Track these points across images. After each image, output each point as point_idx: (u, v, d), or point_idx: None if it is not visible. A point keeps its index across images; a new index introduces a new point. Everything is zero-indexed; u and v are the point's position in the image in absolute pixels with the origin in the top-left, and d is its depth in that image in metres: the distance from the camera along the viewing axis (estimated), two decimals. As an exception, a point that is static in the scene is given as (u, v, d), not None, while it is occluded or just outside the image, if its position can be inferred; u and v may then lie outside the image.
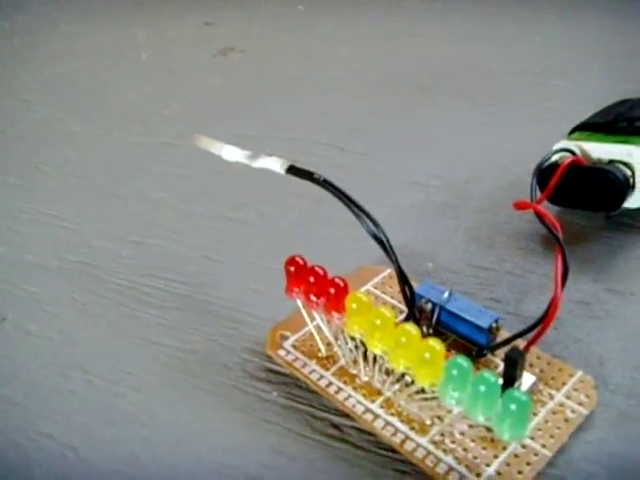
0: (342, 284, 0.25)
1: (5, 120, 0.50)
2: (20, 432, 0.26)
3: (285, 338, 0.28)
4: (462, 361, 0.21)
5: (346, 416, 0.25)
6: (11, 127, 0.49)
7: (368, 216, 0.25)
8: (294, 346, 0.27)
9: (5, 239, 0.37)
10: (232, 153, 0.29)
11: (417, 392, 0.24)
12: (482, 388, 0.21)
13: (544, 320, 0.24)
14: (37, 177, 0.42)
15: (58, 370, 0.28)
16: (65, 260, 0.35)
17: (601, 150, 0.31)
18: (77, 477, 0.24)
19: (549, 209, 0.27)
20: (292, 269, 0.26)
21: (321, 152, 0.42)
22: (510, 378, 0.24)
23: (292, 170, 0.27)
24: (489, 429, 0.22)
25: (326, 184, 0.26)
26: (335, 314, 0.25)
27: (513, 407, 0.20)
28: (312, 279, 0.25)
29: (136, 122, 0.48)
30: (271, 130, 0.45)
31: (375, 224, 0.25)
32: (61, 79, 0.56)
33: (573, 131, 0.34)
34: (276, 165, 0.27)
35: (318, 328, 0.27)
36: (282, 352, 0.27)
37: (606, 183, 0.30)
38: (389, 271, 0.30)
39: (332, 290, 0.24)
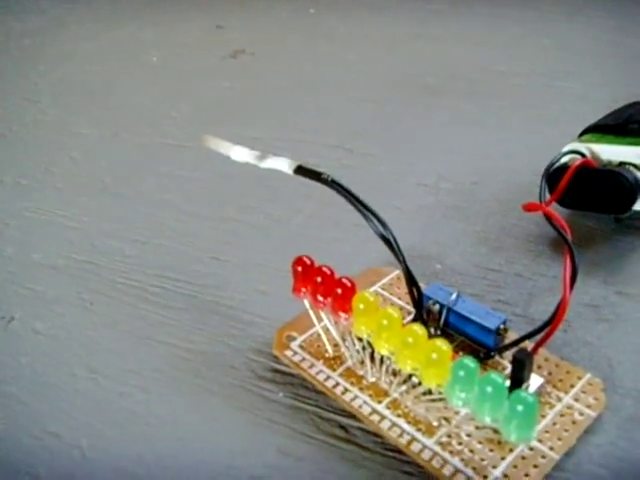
0: (349, 284, 0.24)
1: (15, 121, 0.50)
2: (26, 431, 0.26)
3: (292, 339, 0.28)
4: (469, 362, 0.21)
5: (353, 417, 0.25)
6: (20, 128, 0.49)
7: (376, 216, 0.25)
8: (301, 347, 0.27)
9: (13, 239, 0.37)
10: (241, 153, 0.29)
11: (424, 393, 0.24)
12: (489, 389, 0.21)
13: (552, 322, 0.24)
14: (45, 178, 0.42)
15: (65, 369, 0.28)
16: (72, 260, 0.35)
17: (611, 152, 0.31)
18: (83, 476, 0.24)
19: (558, 211, 0.27)
20: (299, 269, 0.26)
21: (329, 154, 0.42)
22: (518, 380, 0.23)
23: (300, 170, 0.27)
24: (496, 431, 0.22)
25: (334, 184, 0.26)
26: (342, 314, 0.25)
27: (520, 408, 0.20)
28: (319, 279, 0.25)
29: (144, 124, 0.48)
30: (279, 132, 0.45)
31: (383, 225, 0.25)
32: (70, 80, 0.56)
33: (583, 133, 0.34)
34: (284, 165, 0.27)
35: (325, 329, 0.27)
36: (289, 353, 0.27)
37: (616, 185, 0.30)
38: (397, 272, 0.30)
39: (339, 290, 0.24)
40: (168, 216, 0.37)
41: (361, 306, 0.24)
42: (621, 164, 0.31)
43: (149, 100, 0.52)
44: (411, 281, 0.25)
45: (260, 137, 0.44)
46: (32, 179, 0.42)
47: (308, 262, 0.26)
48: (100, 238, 0.36)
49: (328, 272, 0.25)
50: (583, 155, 0.31)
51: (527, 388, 0.24)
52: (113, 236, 0.36)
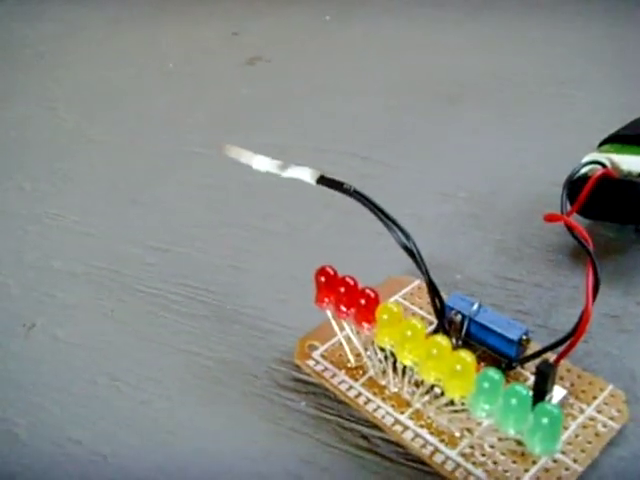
0: (373, 295, 0.24)
1: (32, 128, 0.50)
2: (48, 438, 0.26)
3: (314, 348, 0.28)
4: (494, 374, 0.21)
5: (375, 427, 0.25)
6: (38, 134, 0.49)
7: (398, 227, 0.25)
8: (323, 356, 0.27)
9: (34, 245, 0.37)
10: (262, 163, 0.29)
11: (446, 404, 0.24)
12: (513, 401, 0.21)
13: (575, 333, 0.24)
14: (64, 184, 0.43)
15: (86, 376, 0.29)
16: (93, 267, 0.35)
17: (632, 163, 0.31)
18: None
19: (579, 222, 0.27)
20: (323, 279, 0.26)
21: (346, 162, 0.42)
22: (541, 391, 0.24)
23: (322, 180, 0.27)
24: (519, 442, 0.22)
25: (357, 194, 0.26)
26: (365, 325, 0.25)
27: (545, 421, 0.20)
28: (343, 289, 0.25)
29: (161, 131, 0.48)
30: (296, 139, 0.45)
31: (406, 235, 0.25)
32: (86, 86, 0.56)
33: (603, 143, 0.33)
34: (306, 175, 0.27)
35: (347, 338, 0.27)
36: (311, 362, 0.27)
37: (637, 196, 0.30)
38: (418, 282, 0.30)
39: (363, 301, 0.24)
40: (187, 223, 0.38)
41: (385, 317, 0.24)
42: (641, 175, 0.31)
43: (165, 106, 0.52)
44: (434, 291, 0.26)
45: (276, 144, 0.44)
46: (51, 185, 0.43)
47: (331, 272, 0.26)
48: (120, 245, 0.36)
49: (352, 282, 0.25)
50: (603, 165, 0.31)
51: (550, 400, 0.24)
52: (133, 243, 0.36)
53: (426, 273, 0.25)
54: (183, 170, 0.43)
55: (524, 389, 0.21)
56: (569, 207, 0.30)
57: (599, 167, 0.31)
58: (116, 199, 0.41)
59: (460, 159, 0.41)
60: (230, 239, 0.36)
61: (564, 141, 0.41)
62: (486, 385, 0.21)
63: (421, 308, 0.29)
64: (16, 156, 0.47)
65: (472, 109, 0.47)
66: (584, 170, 0.31)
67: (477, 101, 0.48)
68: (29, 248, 0.37)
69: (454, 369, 0.22)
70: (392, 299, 0.29)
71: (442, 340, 0.23)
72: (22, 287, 0.34)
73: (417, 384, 0.25)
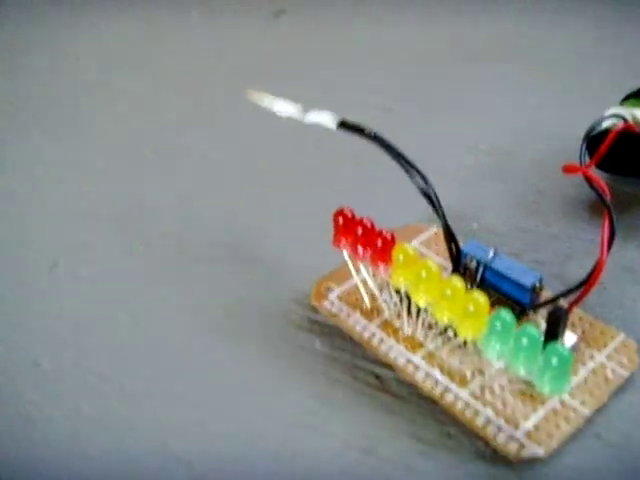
0: (389, 236, 0.25)
1: (55, 79, 0.50)
2: (70, 371, 0.27)
3: (330, 290, 0.28)
4: (506, 315, 0.22)
5: (388, 367, 0.25)
6: (60, 86, 0.49)
7: (418, 171, 0.25)
8: (339, 298, 0.28)
9: (60, 188, 0.37)
10: (284, 107, 0.29)
11: (459, 346, 0.24)
12: (525, 341, 0.21)
13: (588, 281, 0.24)
14: (90, 131, 0.43)
15: (106, 313, 0.29)
16: (116, 210, 0.35)
17: (654, 118, 0.31)
18: (125, 414, 0.25)
19: (598, 176, 0.27)
20: (340, 220, 0.26)
21: (369, 114, 0.41)
22: (552, 335, 0.24)
23: (344, 125, 0.27)
24: (529, 385, 0.23)
25: (377, 139, 0.26)
26: (381, 265, 0.25)
27: (555, 361, 0.21)
28: (360, 230, 0.25)
29: (185, 82, 0.48)
30: (320, 93, 0.45)
31: (424, 179, 0.25)
32: (111, 37, 0.56)
33: (627, 98, 0.33)
34: (328, 120, 0.27)
35: (363, 281, 0.27)
36: (327, 303, 0.28)
37: (657, 150, 0.30)
38: (435, 229, 0.30)
39: (379, 242, 0.25)
40: (212, 169, 0.38)
41: (400, 257, 0.24)
42: (663, 130, 0.31)
43: (190, 57, 0.52)
44: (450, 236, 0.26)
45: (300, 95, 0.43)
46: (79, 133, 0.43)
47: (349, 214, 0.26)
48: (144, 189, 0.37)
49: (369, 224, 0.25)
50: (625, 120, 0.31)
51: (562, 344, 0.24)
52: (156, 188, 0.37)
53: (443, 217, 0.25)
54: (206, 120, 0.43)
55: (534, 330, 0.21)
56: (588, 160, 0.30)
57: (621, 121, 0.31)
58: (141, 146, 0.41)
59: (482, 114, 0.41)
60: (254, 184, 0.36)
61: (589, 98, 0.41)
62: (498, 325, 0.22)
63: (438, 254, 0.29)
64: (40, 104, 0.47)
65: (495, 66, 0.46)
66: (605, 124, 0.31)
67: (500, 59, 0.47)
68: (54, 191, 0.37)
69: (467, 310, 0.22)
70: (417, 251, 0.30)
71: (456, 281, 0.23)
72: (45, 228, 0.35)
73: (431, 326, 0.25)
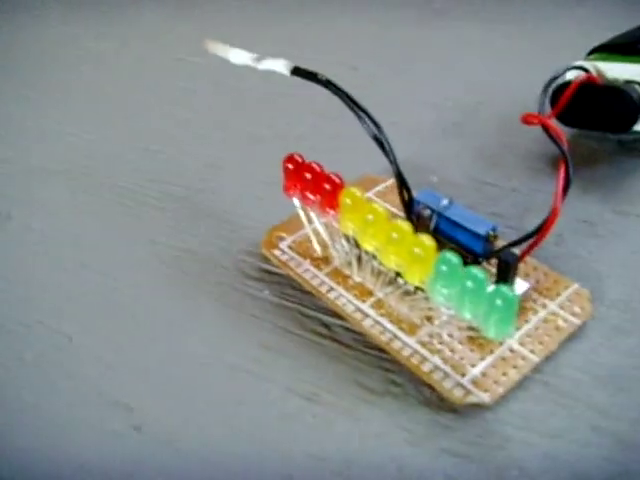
0: (338, 180, 0.24)
1: (16, 38, 0.49)
2: (15, 318, 0.26)
3: (282, 239, 0.27)
4: (451, 257, 0.21)
5: (336, 316, 0.25)
6: (22, 44, 0.48)
7: (370, 118, 0.25)
8: (290, 247, 0.27)
9: (12, 144, 0.37)
10: (239, 56, 0.28)
11: (408, 293, 0.24)
12: (469, 284, 0.21)
13: (541, 229, 0.24)
14: (49, 89, 0.42)
15: (56, 265, 0.29)
16: (70, 164, 0.35)
17: (617, 70, 0.31)
18: (70, 363, 0.25)
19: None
20: (290, 166, 0.25)
21: (334, 71, 0.41)
22: (503, 282, 0.23)
23: (297, 71, 0.26)
24: (478, 331, 0.22)
25: (329, 84, 0.25)
26: (330, 211, 0.24)
27: (499, 302, 0.20)
28: (309, 176, 0.25)
29: (148, 39, 0.47)
30: (284, 49, 0.44)
31: (377, 126, 0.25)
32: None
33: (592, 52, 0.33)
34: (281, 66, 0.27)
35: (314, 229, 0.26)
36: (277, 252, 0.27)
37: (619, 103, 0.30)
38: (392, 180, 0.30)
39: (327, 186, 0.24)
40: (168, 124, 0.37)
41: (348, 201, 0.24)
42: (627, 82, 0.30)
43: (156, 17, 0.51)
44: (401, 183, 0.25)
45: (265, 53, 0.43)
46: (34, 91, 0.42)
47: (299, 160, 0.25)
48: (98, 144, 0.36)
49: (317, 168, 0.25)
50: (587, 72, 0.30)
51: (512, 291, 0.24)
52: (111, 143, 0.36)
53: (394, 163, 0.25)
54: (166, 75, 0.42)
55: (480, 272, 0.21)
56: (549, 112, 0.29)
57: (583, 73, 0.30)
58: (98, 102, 0.40)
59: (447, 71, 0.40)
60: (208, 139, 0.36)
61: (552, 53, 0.40)
62: (444, 268, 0.21)
63: (394, 206, 0.29)
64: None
65: (461, 23, 0.46)
66: (567, 76, 0.31)
67: (466, 16, 0.47)
68: (8, 147, 0.36)
69: (414, 253, 0.22)
70: (365, 195, 0.29)
71: (403, 224, 0.22)
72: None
73: (381, 273, 0.25)
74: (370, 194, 0.29)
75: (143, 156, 0.35)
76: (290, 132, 0.36)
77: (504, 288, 0.20)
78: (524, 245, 0.24)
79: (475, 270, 0.21)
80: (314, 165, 0.25)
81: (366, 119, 0.25)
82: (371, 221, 0.23)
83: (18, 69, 0.45)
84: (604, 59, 0.32)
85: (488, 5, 0.48)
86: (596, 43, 0.33)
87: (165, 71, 0.43)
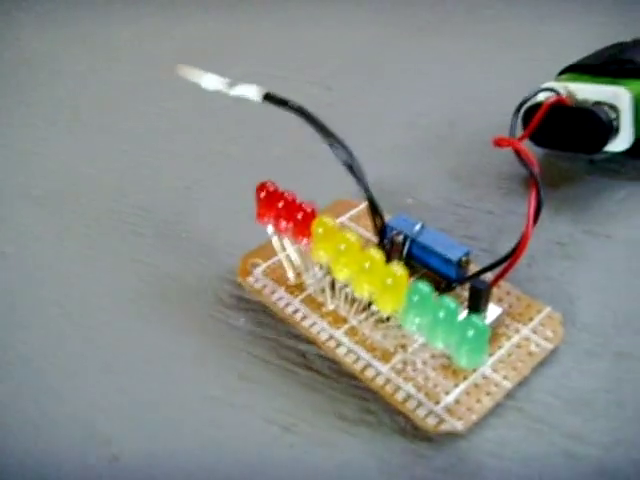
0: (309, 209, 0.24)
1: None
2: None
3: (256, 266, 0.28)
4: (423, 287, 0.21)
5: (312, 344, 0.25)
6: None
7: (342, 145, 0.25)
8: (264, 273, 0.27)
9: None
10: (211, 81, 0.28)
11: (382, 321, 0.24)
12: (441, 314, 0.21)
13: (514, 254, 0.24)
14: (20, 112, 0.42)
15: (33, 291, 0.29)
16: (46, 188, 0.35)
17: (587, 91, 0.31)
18: (43, 388, 0.25)
19: (533, 151, 0.27)
20: (262, 194, 0.26)
21: (309, 91, 0.41)
22: (475, 309, 0.24)
23: (268, 98, 0.27)
24: (451, 358, 0.22)
25: (301, 112, 0.25)
26: (303, 239, 0.25)
27: (470, 334, 0.20)
28: (281, 204, 0.25)
29: (125, 60, 0.47)
30: (259, 68, 0.44)
31: (348, 153, 0.25)
32: (54, 13, 0.55)
33: (562, 72, 0.33)
34: (253, 93, 0.27)
35: (287, 256, 0.27)
36: (251, 279, 0.27)
37: (590, 124, 0.30)
38: (365, 205, 0.30)
39: (300, 215, 0.24)
40: (144, 147, 0.37)
41: (320, 230, 0.24)
42: (596, 104, 0.31)
43: (130, 36, 0.51)
44: (374, 210, 0.25)
45: (237, 72, 0.43)
46: (11, 116, 0.42)
47: (271, 188, 0.26)
48: (74, 168, 0.36)
49: (290, 198, 0.25)
50: (558, 93, 0.31)
51: (484, 318, 0.24)
52: (87, 166, 0.36)
53: (367, 190, 0.25)
54: (141, 97, 0.42)
55: (452, 302, 0.21)
56: (521, 133, 0.30)
57: (554, 94, 0.31)
58: (74, 126, 0.40)
59: (423, 90, 0.41)
60: (185, 162, 0.36)
61: (531, 75, 0.40)
62: (415, 298, 0.21)
63: (368, 230, 0.29)
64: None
65: (440, 42, 0.46)
66: (539, 97, 0.31)
67: (446, 34, 0.47)
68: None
69: (385, 283, 0.22)
70: (338, 220, 0.29)
71: (375, 253, 0.23)
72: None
73: (354, 301, 0.25)
74: (343, 219, 0.30)
75: (119, 180, 0.35)
76: (265, 154, 0.36)
77: (475, 318, 0.21)
78: (496, 269, 0.25)
79: (447, 300, 0.21)
80: (287, 194, 0.25)
81: (338, 145, 0.25)
82: (343, 250, 0.23)
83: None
84: (575, 79, 0.32)
85: (463, 21, 0.48)
86: (571, 59, 0.33)
87: (140, 92, 0.43)
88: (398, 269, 0.22)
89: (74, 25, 0.53)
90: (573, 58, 0.34)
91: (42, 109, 0.42)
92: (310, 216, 0.24)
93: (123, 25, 0.52)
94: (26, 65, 0.48)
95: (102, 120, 0.40)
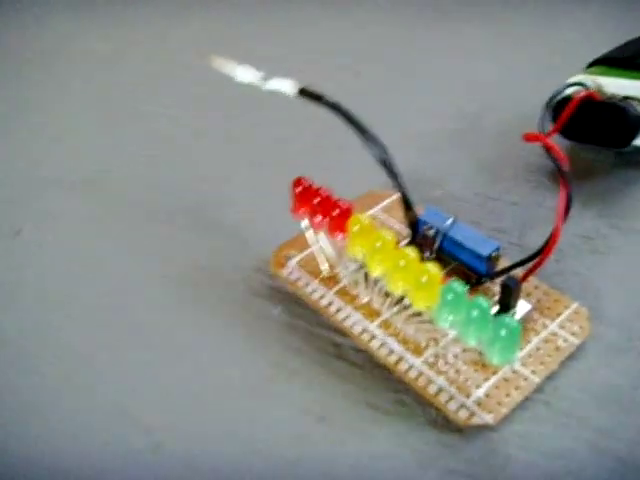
0: (345, 206, 0.25)
1: (18, 41, 0.50)
2: (28, 335, 0.27)
3: (290, 257, 0.28)
4: (457, 286, 0.22)
5: (345, 335, 0.26)
6: (24, 46, 0.49)
7: (375, 140, 0.25)
8: (298, 265, 0.28)
9: (22, 155, 0.37)
10: (245, 74, 0.29)
11: (414, 315, 0.25)
12: (475, 313, 0.22)
13: (543, 251, 0.25)
14: (54, 96, 0.42)
15: (68, 281, 0.29)
16: (80, 176, 0.35)
17: (616, 85, 0.31)
18: (85, 380, 0.25)
19: (559, 142, 0.27)
20: (298, 189, 0.26)
21: (337, 76, 0.41)
22: (505, 305, 0.24)
23: (303, 92, 0.27)
24: (482, 353, 0.23)
25: (336, 107, 0.26)
26: (338, 235, 0.25)
27: (503, 332, 0.21)
28: (317, 200, 0.25)
29: (156, 42, 0.47)
30: (288, 52, 0.44)
31: (382, 148, 0.25)
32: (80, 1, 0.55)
33: (591, 65, 0.33)
34: (287, 87, 0.27)
35: (321, 249, 0.27)
36: (285, 271, 0.28)
37: (618, 119, 0.30)
38: (397, 196, 0.30)
39: (336, 211, 0.25)
40: (178, 134, 0.38)
41: (356, 228, 0.24)
42: (625, 98, 0.31)
43: (156, 17, 0.51)
44: (407, 205, 0.26)
45: (267, 56, 0.43)
46: (43, 98, 0.42)
47: (307, 183, 0.26)
48: (107, 156, 0.37)
49: (325, 194, 0.26)
50: (587, 87, 0.31)
51: (514, 314, 0.25)
52: (120, 154, 0.37)
53: (400, 186, 0.25)
54: (175, 82, 0.43)
55: (485, 302, 0.22)
56: (550, 127, 0.30)
57: (582, 89, 0.31)
58: (107, 109, 0.41)
59: (452, 78, 0.41)
60: (217, 150, 0.36)
61: (560, 62, 0.41)
62: (450, 297, 0.22)
63: (399, 221, 0.29)
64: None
65: (469, 27, 0.46)
66: (567, 91, 0.31)
67: (474, 19, 0.47)
68: (18, 157, 0.37)
69: (419, 281, 0.23)
70: (370, 212, 0.30)
71: (410, 252, 0.23)
72: (8, 195, 0.34)
73: (387, 295, 0.25)
74: (376, 210, 0.30)
75: (153, 171, 0.35)
76: (296, 145, 0.36)
77: (508, 318, 0.21)
78: (526, 265, 0.25)
79: (480, 300, 0.22)
80: (322, 190, 0.26)
81: (372, 141, 0.25)
82: (379, 248, 0.24)
83: (22, 73, 0.45)
84: (603, 73, 0.32)
85: (492, 10, 0.48)
86: (600, 47, 0.34)
87: (174, 77, 0.43)
88: (432, 267, 0.23)
89: (103, 9, 0.53)
90: (600, 48, 0.34)
91: (75, 97, 0.42)
92: (346, 213, 0.25)
93: (148, 10, 0.52)
94: (59, 53, 0.48)
95: (135, 107, 0.41)
